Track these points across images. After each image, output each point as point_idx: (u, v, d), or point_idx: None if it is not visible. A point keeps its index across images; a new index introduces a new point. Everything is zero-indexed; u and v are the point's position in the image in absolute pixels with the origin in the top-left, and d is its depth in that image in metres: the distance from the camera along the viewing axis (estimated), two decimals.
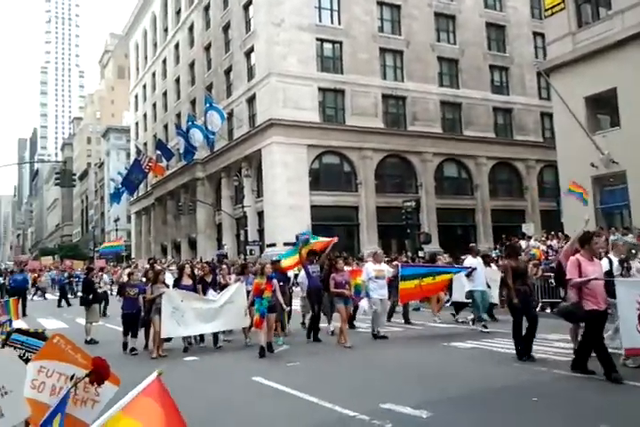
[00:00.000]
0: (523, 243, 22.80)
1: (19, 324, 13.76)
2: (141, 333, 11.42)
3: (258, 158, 35.46)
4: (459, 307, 14.32)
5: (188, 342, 11.26)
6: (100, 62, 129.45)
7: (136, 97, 65.49)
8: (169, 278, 12.81)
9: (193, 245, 45.92)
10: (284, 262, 13.12)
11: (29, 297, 33.37)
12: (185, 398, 5.89)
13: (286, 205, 32.60)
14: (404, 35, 37.66)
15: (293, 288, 13.78)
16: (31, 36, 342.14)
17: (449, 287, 14.11)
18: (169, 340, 10.98)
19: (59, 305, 25.39)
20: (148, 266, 24.01)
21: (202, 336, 11.70)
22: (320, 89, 34.96)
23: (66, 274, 33.49)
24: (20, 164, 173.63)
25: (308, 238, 13.42)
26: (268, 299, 10.04)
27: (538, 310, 13.14)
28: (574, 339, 8.36)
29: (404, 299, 12.84)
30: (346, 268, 11.97)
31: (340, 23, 36.07)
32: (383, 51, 37.03)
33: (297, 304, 14.34)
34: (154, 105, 58.05)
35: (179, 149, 38.77)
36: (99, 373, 2.99)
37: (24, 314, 20.81)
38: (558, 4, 23.59)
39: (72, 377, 3.05)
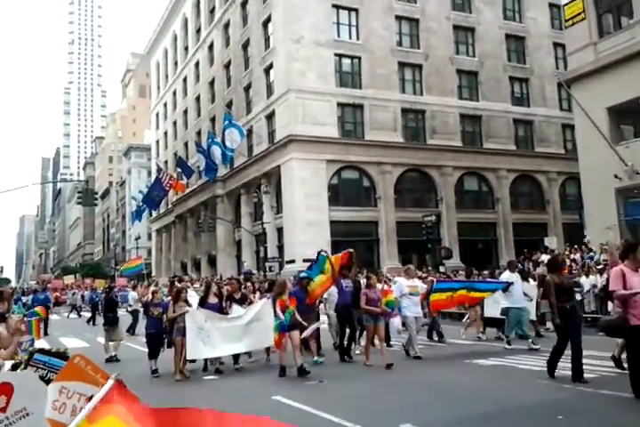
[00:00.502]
0: (544, 257, 22.45)
1: (41, 344, 13.78)
2: (169, 354, 10.71)
3: (277, 174, 35.51)
4: (491, 323, 13.72)
5: (210, 361, 10.82)
6: (122, 82, 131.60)
7: (157, 115, 66.29)
8: (192, 297, 12.21)
9: (213, 262, 45.97)
10: (316, 285, 11.77)
11: (66, 315, 33.79)
12: None
13: (305, 221, 32.51)
14: (423, 48, 37.69)
15: (321, 305, 13.20)
16: (54, 57, 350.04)
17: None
18: (193, 361, 10.56)
19: (91, 323, 25.30)
20: (168, 283, 24.02)
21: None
22: (339, 104, 35.01)
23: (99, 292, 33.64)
24: (43, 183, 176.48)
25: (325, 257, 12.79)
26: (290, 312, 9.59)
27: None
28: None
29: (434, 308, 12.32)
30: (378, 285, 11.51)
31: (358, 38, 36.21)
32: (402, 65, 37.05)
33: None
34: (174, 123, 58.67)
35: (199, 167, 39.12)
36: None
37: (45, 333, 20.86)
38: (579, 15, 23.41)
39: (91, 398, 2.96)
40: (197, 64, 51.53)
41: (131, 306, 20.88)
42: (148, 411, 2.25)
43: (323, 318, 13.82)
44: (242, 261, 39.49)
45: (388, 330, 12.44)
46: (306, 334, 10.02)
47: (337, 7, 35.84)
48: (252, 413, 2.26)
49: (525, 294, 12.32)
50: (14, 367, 3.84)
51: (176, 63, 58.47)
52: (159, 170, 47.48)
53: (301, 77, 34.06)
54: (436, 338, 13.77)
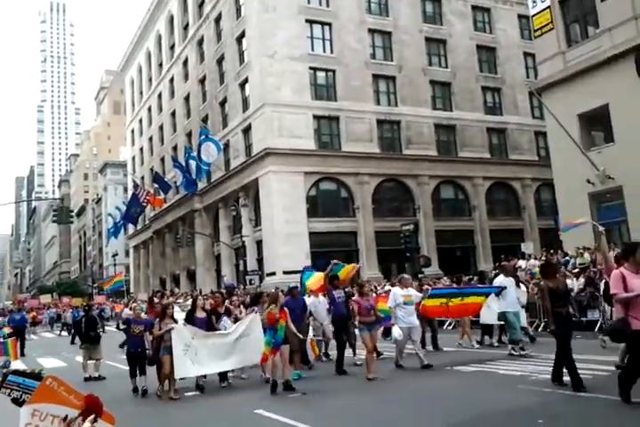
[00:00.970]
0: (522, 262, 22.69)
1: (17, 364, 13.51)
2: (153, 371, 10.30)
3: (255, 188, 35.48)
4: (487, 330, 13.58)
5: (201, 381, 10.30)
6: (96, 99, 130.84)
7: (132, 132, 65.94)
8: (177, 313, 11.78)
9: (192, 277, 45.62)
10: (311, 283, 12.41)
11: (58, 333, 33.29)
12: None
13: (285, 233, 32.47)
14: (396, 60, 38.09)
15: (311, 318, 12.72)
16: (27, 75, 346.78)
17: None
18: (182, 379, 10.10)
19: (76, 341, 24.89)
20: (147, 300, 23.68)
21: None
22: (315, 117, 35.18)
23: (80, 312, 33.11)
24: (17, 202, 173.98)
25: (338, 265, 12.82)
26: (283, 329, 9.29)
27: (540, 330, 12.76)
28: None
29: (429, 315, 12.10)
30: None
31: (332, 52, 36.49)
32: (376, 77, 37.38)
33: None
34: (150, 139, 58.40)
35: (176, 182, 38.94)
36: (91, 410, 2.87)
37: (22, 354, 20.51)
38: (547, 25, 23.91)
39: (65, 418, 2.93)
40: (172, 80, 51.45)
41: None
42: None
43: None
44: (222, 275, 39.26)
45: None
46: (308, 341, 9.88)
47: (310, 22, 36.10)
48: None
49: (517, 299, 12.09)
50: None
51: (150, 79, 58.32)
52: (136, 186, 47.14)
53: (277, 91, 34.19)
54: (429, 347, 13.41)
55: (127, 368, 10.77)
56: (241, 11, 37.97)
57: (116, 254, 66.72)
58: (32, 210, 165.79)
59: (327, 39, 36.69)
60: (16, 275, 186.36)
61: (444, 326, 16.08)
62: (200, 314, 10.61)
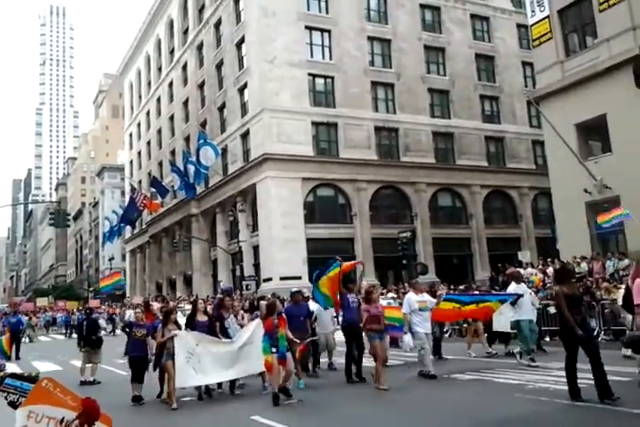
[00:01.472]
0: (519, 271, 22.67)
1: (12, 368, 13.47)
2: (153, 377, 10.02)
3: (253, 193, 35.48)
4: (498, 338, 13.26)
5: (204, 389, 9.94)
6: (95, 102, 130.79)
7: (130, 135, 65.94)
8: (179, 318, 11.24)
9: (188, 282, 45.52)
10: (326, 281, 11.04)
11: (66, 336, 33.28)
12: None
13: (282, 239, 32.45)
14: (395, 68, 38.22)
15: (316, 324, 12.13)
16: (26, 78, 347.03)
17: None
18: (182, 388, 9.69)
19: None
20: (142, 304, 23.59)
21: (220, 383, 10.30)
22: (313, 123, 35.25)
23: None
24: (14, 205, 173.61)
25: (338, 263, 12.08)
26: (284, 337, 8.83)
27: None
28: None
29: (437, 318, 11.49)
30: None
31: (331, 58, 36.62)
32: (374, 84, 37.50)
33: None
34: (148, 143, 58.40)
35: (173, 186, 38.90)
36: (89, 414, 2.86)
37: (17, 357, 20.45)
38: (546, 35, 24.02)
39: (62, 420, 2.91)
40: (171, 84, 51.52)
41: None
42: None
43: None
44: (218, 280, 39.20)
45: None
46: (300, 348, 9.51)
47: (310, 28, 36.26)
48: None
49: (532, 304, 11.84)
50: None
51: (149, 83, 58.38)
52: (133, 190, 47.06)
53: (275, 97, 34.26)
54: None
55: (123, 373, 10.58)
56: (241, 16, 38.09)
57: (113, 258, 66.61)
58: (29, 213, 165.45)
59: (326, 46, 36.82)
60: (12, 278, 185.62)
61: (445, 335, 15.93)
62: (201, 318, 10.22)
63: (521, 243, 39.45)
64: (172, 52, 51.94)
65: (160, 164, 53.83)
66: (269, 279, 31.87)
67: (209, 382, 9.78)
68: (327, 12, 36.98)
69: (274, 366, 8.63)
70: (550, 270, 20.93)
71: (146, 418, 8.94)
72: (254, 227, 35.65)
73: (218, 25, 41.74)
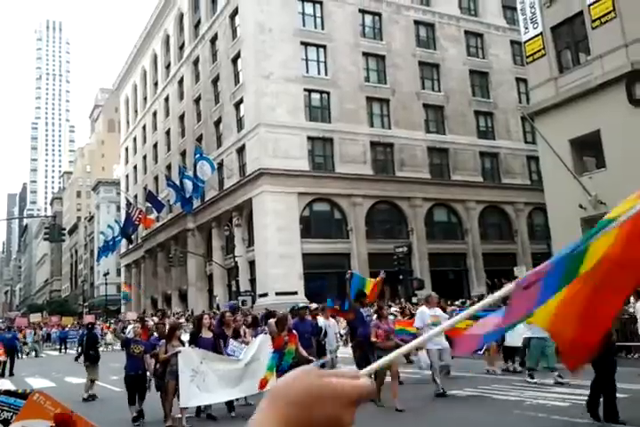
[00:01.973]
0: None
1: (6, 384, 13.37)
2: (155, 396, 9.59)
3: (248, 208, 35.49)
4: (511, 353, 13.17)
5: (201, 407, 9.68)
6: (91, 117, 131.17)
7: (126, 150, 66.05)
8: (182, 334, 11.01)
9: (184, 297, 45.32)
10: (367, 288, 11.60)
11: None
12: None
13: (278, 254, 32.39)
14: (390, 84, 38.50)
15: (326, 340, 11.81)
16: (22, 92, 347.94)
17: None
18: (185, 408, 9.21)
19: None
20: (137, 320, 23.51)
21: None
22: (309, 138, 35.39)
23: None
24: (9, 219, 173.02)
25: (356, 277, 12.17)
26: (292, 353, 8.62)
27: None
28: None
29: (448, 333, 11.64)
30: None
31: (327, 74, 36.88)
32: (370, 99, 37.73)
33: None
34: (144, 157, 58.49)
35: (169, 201, 38.93)
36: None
37: (11, 373, 20.28)
38: (539, 51, 24.25)
39: None
40: (167, 99, 51.75)
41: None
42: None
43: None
44: (214, 295, 39.04)
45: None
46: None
47: (305, 44, 36.57)
48: None
49: None
50: None
51: (145, 98, 58.62)
52: (129, 204, 47.03)
53: (271, 112, 34.43)
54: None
55: (119, 390, 10.33)
56: (237, 32, 38.41)
57: (108, 273, 66.31)
58: (24, 227, 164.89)
59: (322, 61, 37.10)
60: (6, 293, 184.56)
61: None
62: (206, 334, 9.74)
63: (517, 258, 39.48)
64: (168, 66, 52.24)
65: (156, 178, 53.86)
66: (265, 295, 31.77)
67: (214, 402, 9.43)
68: (323, 28, 37.32)
69: (269, 385, 8.35)
70: None
71: None
72: (250, 242, 35.61)
73: (214, 40, 42.05)
